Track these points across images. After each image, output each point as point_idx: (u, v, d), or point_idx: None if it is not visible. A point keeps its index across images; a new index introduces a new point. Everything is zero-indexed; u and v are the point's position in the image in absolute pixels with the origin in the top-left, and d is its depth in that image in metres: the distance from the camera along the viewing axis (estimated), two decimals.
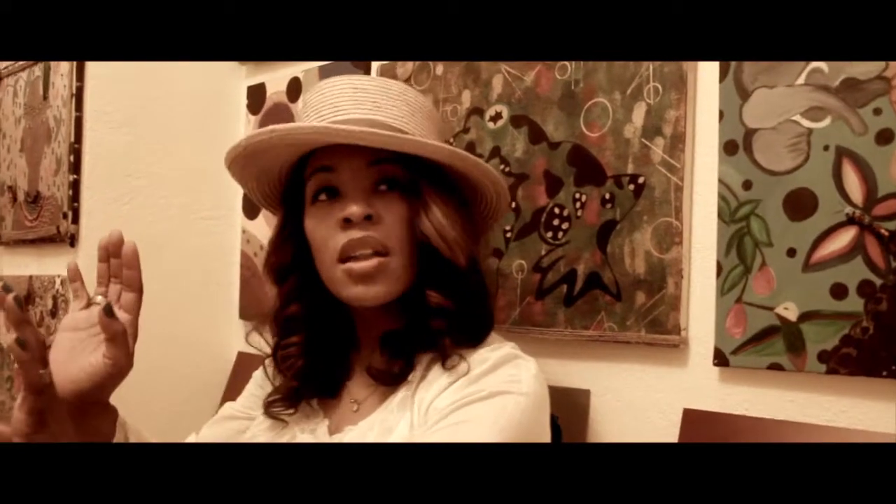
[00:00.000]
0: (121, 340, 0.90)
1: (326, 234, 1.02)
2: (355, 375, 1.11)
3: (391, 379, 1.03)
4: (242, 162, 1.09)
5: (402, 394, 1.02)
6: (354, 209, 1.00)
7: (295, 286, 1.10)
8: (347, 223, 1.00)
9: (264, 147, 1.04)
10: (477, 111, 1.46)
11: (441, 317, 1.02)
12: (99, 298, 0.98)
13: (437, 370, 1.01)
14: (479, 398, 0.94)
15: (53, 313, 1.91)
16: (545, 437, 1.02)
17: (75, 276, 1.00)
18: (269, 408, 1.13)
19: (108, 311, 0.89)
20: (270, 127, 1.01)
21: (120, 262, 0.97)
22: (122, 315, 0.94)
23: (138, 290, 0.98)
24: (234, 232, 2.01)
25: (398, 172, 1.02)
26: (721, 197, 1.16)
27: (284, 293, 1.11)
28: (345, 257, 1.01)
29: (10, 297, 0.80)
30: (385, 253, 1.01)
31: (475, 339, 1.04)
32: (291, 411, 1.12)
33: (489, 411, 0.93)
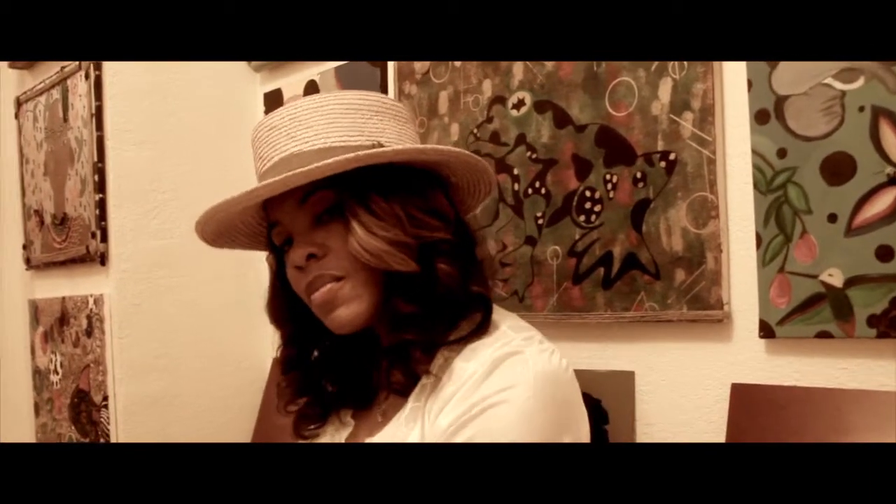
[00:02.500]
0: None
1: (294, 281, 1.04)
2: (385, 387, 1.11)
3: (396, 390, 1.02)
4: (220, 240, 1.12)
5: (411, 404, 1.00)
6: (294, 256, 1.01)
7: (290, 331, 1.12)
8: (298, 269, 1.01)
9: (217, 226, 1.07)
10: (499, 100, 1.45)
11: (407, 325, 0.99)
12: None
13: (445, 378, 0.98)
14: (473, 415, 0.91)
15: (89, 333, 1.92)
16: (563, 430, 0.95)
17: None
18: (298, 430, 1.15)
19: None
20: (199, 218, 1.03)
21: None
22: None
23: None
24: None
25: (330, 198, 1.00)
26: (755, 167, 1.14)
27: (282, 337, 1.13)
28: (309, 295, 1.02)
29: None
30: (340, 277, 1.00)
31: (473, 331, 0.99)
32: (317, 426, 1.15)
33: (484, 429, 0.90)
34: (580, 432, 0.97)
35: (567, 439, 0.93)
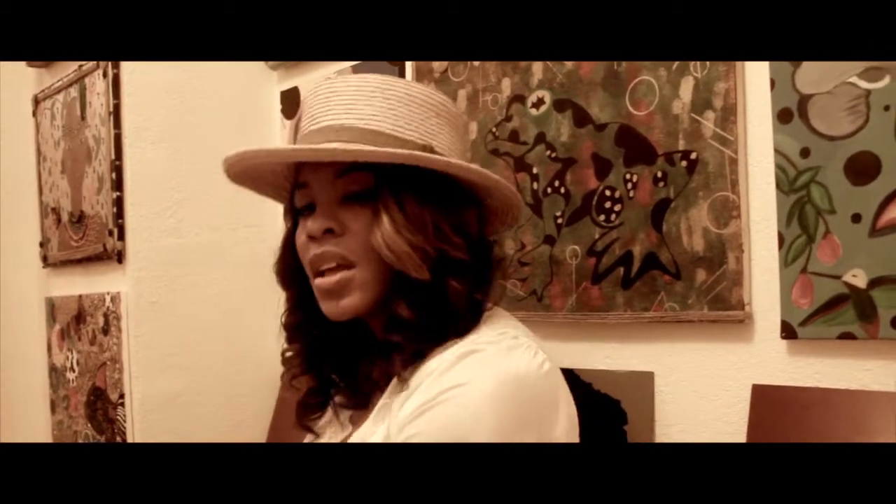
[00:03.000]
0: None
1: (302, 248, 1.02)
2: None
3: (375, 385, 1.02)
4: (242, 180, 1.11)
5: (381, 402, 0.99)
6: (312, 226, 0.99)
7: (296, 295, 1.10)
8: (311, 239, 1.00)
9: (245, 168, 1.06)
10: (518, 98, 1.45)
11: (400, 328, 0.98)
12: None
13: (414, 376, 0.97)
14: (423, 411, 0.90)
15: (105, 331, 1.93)
16: (524, 429, 0.91)
17: None
18: (300, 419, 1.14)
19: None
20: (231, 155, 1.03)
21: None
22: None
23: None
24: (277, 239, 2.00)
25: (366, 182, 0.99)
26: (778, 167, 1.13)
27: (288, 300, 1.12)
28: (316, 272, 1.01)
29: None
30: (349, 266, 0.99)
31: (455, 333, 0.98)
32: (318, 415, 1.13)
33: (431, 427, 0.89)
34: (552, 433, 0.93)
35: (530, 438, 0.90)
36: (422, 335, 0.97)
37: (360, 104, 1.00)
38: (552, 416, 0.94)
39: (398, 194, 0.97)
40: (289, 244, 1.08)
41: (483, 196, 1.06)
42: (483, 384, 0.89)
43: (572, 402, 0.98)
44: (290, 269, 1.08)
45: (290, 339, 1.12)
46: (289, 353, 1.12)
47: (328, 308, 1.02)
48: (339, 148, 0.95)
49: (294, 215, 1.06)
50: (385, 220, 0.96)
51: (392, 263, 0.96)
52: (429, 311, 0.97)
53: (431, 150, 1.00)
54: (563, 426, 0.94)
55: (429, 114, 1.03)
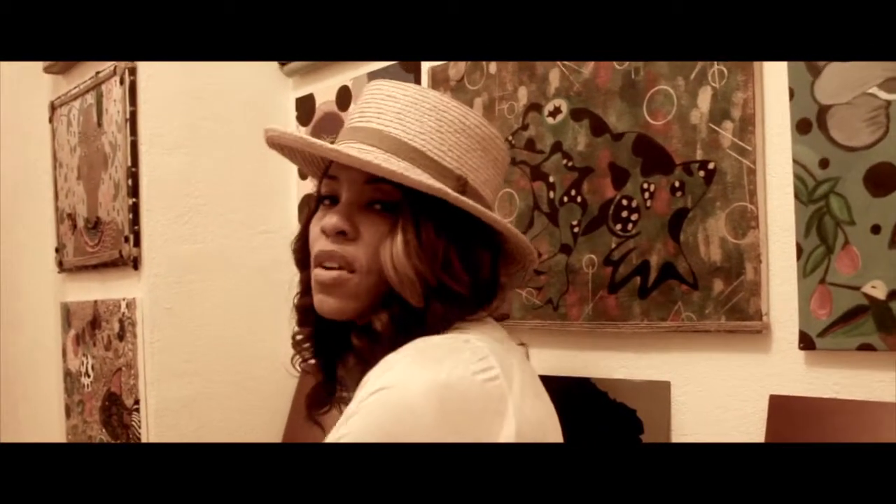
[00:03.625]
0: None
1: (313, 238, 1.03)
2: None
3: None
4: (279, 149, 1.12)
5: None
6: (327, 222, 1.00)
7: (309, 278, 1.09)
8: (324, 233, 1.01)
9: (282, 143, 1.08)
10: (535, 107, 1.45)
11: (366, 336, 0.99)
12: None
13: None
14: (349, 415, 0.89)
15: (121, 336, 1.93)
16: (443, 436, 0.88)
17: None
18: (308, 413, 1.15)
19: None
20: (273, 129, 1.05)
21: None
22: None
23: None
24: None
25: (393, 195, 0.99)
26: (797, 177, 1.13)
27: (301, 282, 1.12)
28: (318, 263, 1.02)
29: None
30: (350, 270, 1.00)
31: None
32: (325, 410, 1.14)
33: (353, 428, 0.89)
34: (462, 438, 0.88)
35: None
36: (385, 347, 0.96)
37: (411, 117, 1.01)
38: (485, 428, 0.89)
39: (419, 218, 0.97)
40: (307, 227, 1.08)
41: (501, 240, 1.07)
42: (406, 387, 0.88)
43: (533, 419, 0.94)
44: (306, 252, 1.08)
45: (300, 322, 1.12)
46: (299, 336, 1.13)
47: (317, 301, 1.02)
48: (374, 162, 0.95)
49: (318, 199, 1.07)
50: (399, 240, 0.97)
51: (392, 283, 0.97)
52: (405, 329, 0.97)
53: (465, 184, 1.01)
54: (504, 440, 0.90)
55: (475, 146, 1.04)
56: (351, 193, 1.01)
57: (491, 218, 1.01)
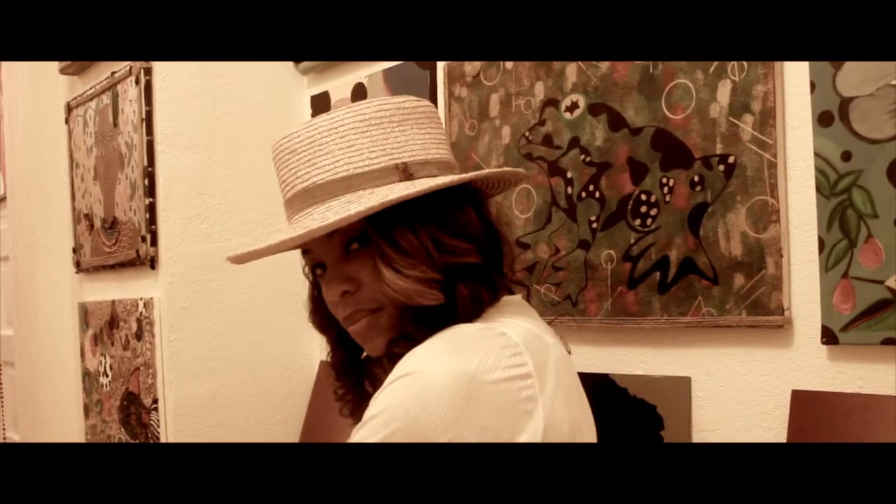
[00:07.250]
0: None
1: (332, 308, 1.05)
2: None
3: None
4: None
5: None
6: (329, 294, 1.03)
7: (334, 337, 1.13)
8: (334, 303, 1.03)
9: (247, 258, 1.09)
10: (552, 102, 1.44)
11: (403, 342, 0.98)
12: None
13: None
14: (375, 397, 0.91)
15: (139, 336, 1.94)
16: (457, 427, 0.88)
17: None
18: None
19: None
20: (232, 256, 1.09)
21: None
22: None
23: None
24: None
25: (359, 227, 0.98)
26: (818, 170, 1.12)
27: (329, 343, 1.15)
28: (348, 325, 1.04)
29: None
30: (375, 309, 1.01)
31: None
32: None
33: (374, 409, 0.90)
34: (461, 435, 0.87)
35: (470, 437, 0.86)
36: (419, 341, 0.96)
37: (318, 157, 1.00)
38: (509, 426, 0.89)
39: (388, 233, 0.97)
40: (314, 297, 1.13)
41: (476, 185, 1.07)
42: (432, 374, 0.88)
43: (564, 421, 0.92)
44: (323, 318, 1.12)
45: (338, 377, 1.15)
46: (340, 391, 1.14)
47: (368, 349, 1.05)
48: (313, 227, 0.94)
49: (312, 270, 1.09)
50: (382, 267, 0.97)
51: (409, 304, 0.97)
52: (441, 322, 0.96)
53: (406, 167, 0.99)
54: (527, 439, 0.89)
55: (388, 127, 1.01)
56: (328, 255, 1.02)
57: (448, 182, 0.98)
